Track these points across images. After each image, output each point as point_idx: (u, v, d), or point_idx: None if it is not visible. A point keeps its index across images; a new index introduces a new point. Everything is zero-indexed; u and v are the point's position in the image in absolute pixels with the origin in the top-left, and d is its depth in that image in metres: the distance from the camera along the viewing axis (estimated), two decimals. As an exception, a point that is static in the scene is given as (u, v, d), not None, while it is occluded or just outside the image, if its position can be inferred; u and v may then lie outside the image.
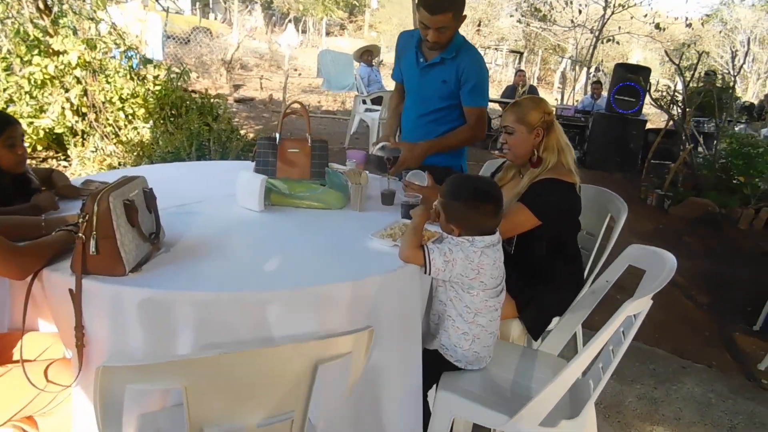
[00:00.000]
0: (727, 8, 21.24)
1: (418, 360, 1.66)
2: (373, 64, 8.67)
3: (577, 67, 14.08)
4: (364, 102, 7.72)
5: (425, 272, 1.61)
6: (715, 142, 7.15)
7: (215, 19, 18.46)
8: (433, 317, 1.76)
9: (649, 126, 8.46)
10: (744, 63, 8.04)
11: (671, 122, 6.56)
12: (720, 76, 8.84)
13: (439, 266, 1.60)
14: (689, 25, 11.37)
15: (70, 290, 1.31)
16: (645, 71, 7.82)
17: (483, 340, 1.71)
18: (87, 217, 1.34)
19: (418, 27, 2.32)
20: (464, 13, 2.29)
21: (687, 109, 5.84)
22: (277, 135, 2.20)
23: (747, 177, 5.65)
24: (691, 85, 6.75)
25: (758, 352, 3.23)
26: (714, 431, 2.45)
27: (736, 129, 7.48)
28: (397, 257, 1.63)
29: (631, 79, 7.64)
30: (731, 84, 7.30)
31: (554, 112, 2.14)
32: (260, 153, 2.19)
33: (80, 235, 1.34)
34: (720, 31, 20.39)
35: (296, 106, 2.20)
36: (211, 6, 20.86)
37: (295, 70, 14.28)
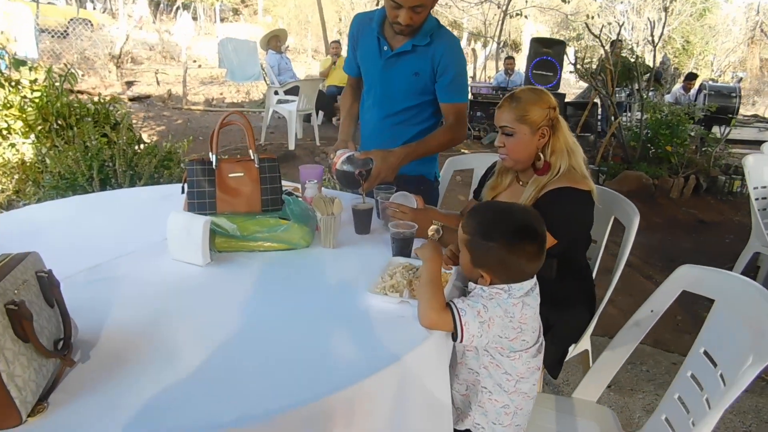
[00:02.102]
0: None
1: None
2: (282, 50, 8.02)
3: (480, 43, 14.07)
4: (277, 93, 7.10)
5: (455, 340, 1.20)
6: (627, 112, 7.24)
7: (94, 9, 16.69)
8: (459, 387, 1.35)
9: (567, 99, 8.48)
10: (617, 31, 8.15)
11: (596, 94, 6.50)
12: (627, 46, 9.04)
13: (473, 332, 1.19)
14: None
15: None
16: (560, 45, 7.78)
17: (525, 410, 1.33)
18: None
19: (383, 6, 1.85)
20: None
21: (612, 80, 5.76)
22: (213, 156, 1.68)
23: (673, 146, 5.69)
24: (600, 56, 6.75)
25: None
26: (730, 439, 2.25)
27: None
28: (413, 321, 1.20)
29: (547, 54, 7.56)
30: (641, 54, 7.40)
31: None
32: (192, 182, 1.66)
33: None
34: (600, 6, 21.24)
35: (235, 117, 1.68)
36: (87, -5, 18.89)
37: (194, 61, 13.20)
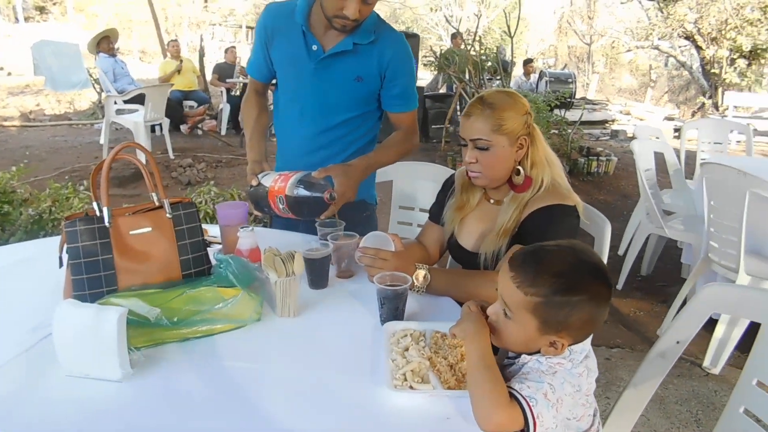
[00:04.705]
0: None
1: None
2: (116, 53, 7.02)
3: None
4: (116, 102, 6.17)
5: (526, 439, 0.89)
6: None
7: None
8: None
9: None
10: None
11: (463, 85, 6.56)
12: (466, 36, 9.34)
13: (548, 424, 0.89)
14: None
15: None
16: (414, 38, 7.76)
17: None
18: None
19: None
20: None
21: (480, 71, 5.82)
22: (104, 210, 1.18)
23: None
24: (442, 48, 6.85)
25: (640, 315, 3.22)
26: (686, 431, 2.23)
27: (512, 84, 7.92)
28: (466, 423, 0.87)
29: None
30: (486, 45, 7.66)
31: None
32: (77, 250, 1.15)
33: None
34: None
35: (128, 158, 1.20)
36: None
37: (1, 68, 11.23)
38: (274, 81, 1.76)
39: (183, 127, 7.88)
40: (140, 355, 1.03)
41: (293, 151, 1.71)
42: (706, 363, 2.61)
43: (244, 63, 9.91)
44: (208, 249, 1.31)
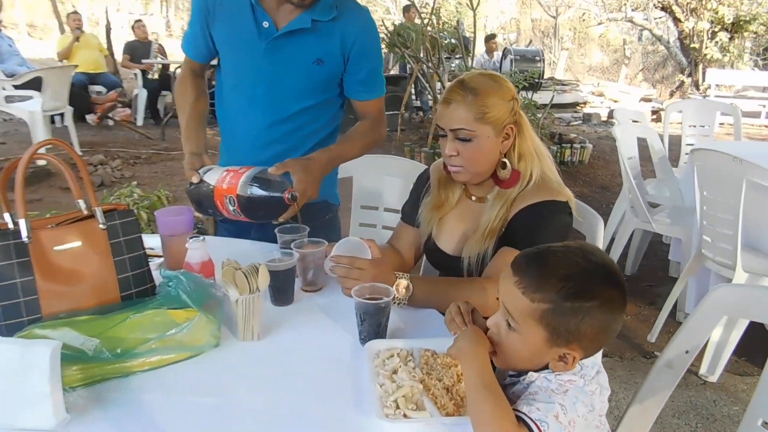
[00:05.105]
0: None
1: None
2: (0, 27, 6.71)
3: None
4: (5, 88, 5.89)
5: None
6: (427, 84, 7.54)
7: None
8: None
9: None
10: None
11: (420, 65, 6.62)
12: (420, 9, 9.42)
13: (562, 449, 0.91)
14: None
15: None
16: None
17: None
18: None
19: None
20: None
21: (439, 49, 5.88)
22: (20, 222, 1.13)
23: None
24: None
25: (627, 319, 3.34)
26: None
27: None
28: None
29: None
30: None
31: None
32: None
33: None
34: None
35: (47, 158, 1.15)
36: None
37: None
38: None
39: (90, 117, 7.64)
40: (77, 397, 0.99)
41: (241, 145, 1.69)
42: (702, 370, 2.73)
43: (160, 40, 9.66)
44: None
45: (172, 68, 8.05)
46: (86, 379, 1.03)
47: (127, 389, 1.04)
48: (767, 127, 10.14)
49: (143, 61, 8.05)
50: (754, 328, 2.61)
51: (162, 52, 8.64)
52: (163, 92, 8.34)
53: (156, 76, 8.09)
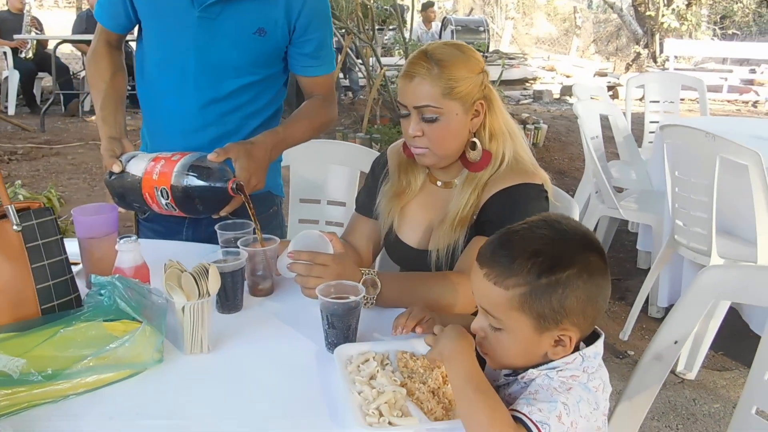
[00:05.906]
0: None
1: None
2: None
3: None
4: None
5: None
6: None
7: None
8: None
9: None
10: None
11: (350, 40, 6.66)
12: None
13: (562, 451, 0.97)
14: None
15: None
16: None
17: None
18: None
19: None
20: None
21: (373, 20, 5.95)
22: None
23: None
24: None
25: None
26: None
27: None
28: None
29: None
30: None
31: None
32: None
33: None
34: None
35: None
36: None
37: None
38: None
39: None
40: (6, 428, 0.98)
41: (169, 130, 1.70)
42: (679, 368, 2.90)
43: (35, 11, 9.31)
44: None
45: (51, 45, 7.80)
46: (12, 406, 1.02)
47: (62, 416, 1.04)
48: (730, 102, 10.74)
49: (15, 37, 7.76)
50: (727, 318, 2.78)
51: (36, 25, 8.34)
52: (40, 74, 8.06)
53: (30, 55, 7.80)
